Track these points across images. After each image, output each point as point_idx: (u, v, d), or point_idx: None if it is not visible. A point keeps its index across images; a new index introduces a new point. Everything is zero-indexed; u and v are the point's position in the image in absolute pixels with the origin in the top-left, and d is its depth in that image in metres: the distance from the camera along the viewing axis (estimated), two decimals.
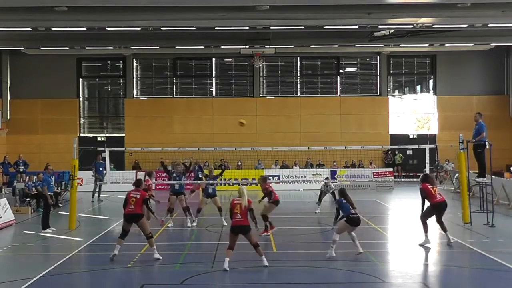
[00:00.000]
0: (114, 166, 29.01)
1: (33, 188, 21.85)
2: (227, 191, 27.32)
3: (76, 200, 18.32)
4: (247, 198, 12.38)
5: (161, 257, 12.88)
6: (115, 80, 36.29)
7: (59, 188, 26.39)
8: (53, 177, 27.21)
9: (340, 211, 14.06)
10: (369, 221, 18.51)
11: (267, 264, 12.05)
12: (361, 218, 13.56)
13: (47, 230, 17.00)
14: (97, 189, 25.66)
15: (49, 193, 18.61)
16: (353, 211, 13.23)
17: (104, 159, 22.88)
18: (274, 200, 16.31)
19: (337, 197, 14.13)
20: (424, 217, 14.72)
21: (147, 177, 17.78)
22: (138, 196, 13.33)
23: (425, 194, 14.67)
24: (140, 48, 32.59)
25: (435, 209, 14.62)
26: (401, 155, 33.43)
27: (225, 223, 17.31)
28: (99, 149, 23.00)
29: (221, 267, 11.94)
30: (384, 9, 23.40)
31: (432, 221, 14.71)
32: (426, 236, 14.51)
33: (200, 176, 20.24)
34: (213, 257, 13.30)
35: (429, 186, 14.68)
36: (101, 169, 25.17)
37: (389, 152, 33.36)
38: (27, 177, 24.42)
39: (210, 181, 18.38)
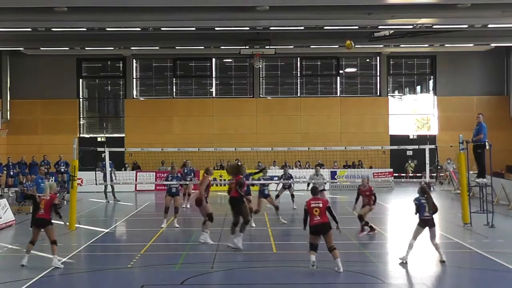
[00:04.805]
0: (114, 166, 28.91)
1: (31, 189, 21.84)
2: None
3: (76, 201, 18.35)
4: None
5: None
6: (115, 80, 36.30)
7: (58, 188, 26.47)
8: (52, 177, 27.43)
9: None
10: (369, 221, 18.49)
11: None
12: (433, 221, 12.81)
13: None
14: (109, 189, 25.61)
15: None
16: (426, 214, 12.66)
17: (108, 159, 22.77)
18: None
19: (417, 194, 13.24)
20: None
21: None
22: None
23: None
24: (140, 48, 32.59)
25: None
26: (413, 165, 33.17)
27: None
28: (99, 149, 22.98)
29: (222, 268, 11.93)
30: (384, 10, 23.39)
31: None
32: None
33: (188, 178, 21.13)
34: (213, 257, 13.31)
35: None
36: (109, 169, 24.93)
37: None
38: (24, 177, 24.40)
39: (265, 182, 18.46)
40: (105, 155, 24.69)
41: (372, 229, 16.23)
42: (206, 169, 15.44)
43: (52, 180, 26.88)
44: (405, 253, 12.67)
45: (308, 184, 21.27)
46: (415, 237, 12.75)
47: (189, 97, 35.58)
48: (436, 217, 20.66)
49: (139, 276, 12.03)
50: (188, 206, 22.23)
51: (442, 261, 12.66)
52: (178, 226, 17.68)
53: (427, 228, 12.73)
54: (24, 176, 27.84)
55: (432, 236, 12.74)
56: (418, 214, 12.83)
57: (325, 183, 20.76)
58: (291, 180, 21.26)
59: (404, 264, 12.51)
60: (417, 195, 13.07)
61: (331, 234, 11.89)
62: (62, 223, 16.62)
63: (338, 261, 11.69)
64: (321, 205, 11.98)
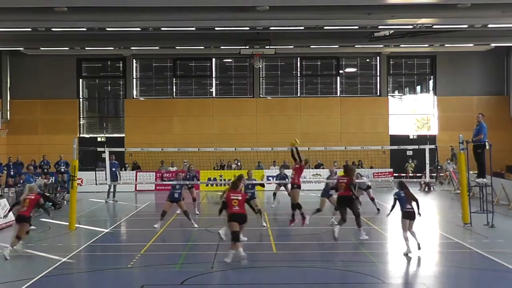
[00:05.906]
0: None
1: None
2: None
3: (76, 201, 18.34)
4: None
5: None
6: (115, 80, 36.29)
7: (58, 188, 26.51)
8: (53, 177, 27.47)
9: (395, 204, 13.80)
10: (369, 221, 18.51)
11: None
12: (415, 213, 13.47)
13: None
14: (111, 190, 25.60)
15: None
16: (408, 206, 13.32)
17: (110, 159, 22.71)
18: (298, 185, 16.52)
19: (396, 189, 14.08)
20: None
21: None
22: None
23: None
24: (140, 48, 32.59)
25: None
26: (413, 165, 33.10)
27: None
28: (99, 149, 22.97)
29: (222, 268, 11.95)
30: (384, 10, 23.40)
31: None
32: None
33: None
34: (213, 257, 13.30)
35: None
36: (114, 169, 24.87)
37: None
38: (20, 177, 24.45)
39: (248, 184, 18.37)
40: (112, 155, 24.81)
41: (303, 217, 16.47)
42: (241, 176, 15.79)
43: (52, 180, 26.98)
44: (405, 247, 13.30)
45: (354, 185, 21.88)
46: (405, 229, 13.42)
47: (189, 97, 35.58)
48: (436, 217, 20.78)
49: (139, 276, 12.02)
50: (197, 212, 20.69)
51: (418, 248, 13.37)
52: (197, 226, 17.59)
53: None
54: (20, 176, 27.89)
55: (410, 227, 13.46)
56: (400, 207, 13.49)
57: (369, 183, 21.28)
58: (286, 180, 21.45)
59: (409, 257, 13.12)
60: (396, 190, 13.82)
61: (243, 227, 12.90)
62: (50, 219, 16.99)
63: (241, 251, 12.37)
64: (240, 197, 12.84)
